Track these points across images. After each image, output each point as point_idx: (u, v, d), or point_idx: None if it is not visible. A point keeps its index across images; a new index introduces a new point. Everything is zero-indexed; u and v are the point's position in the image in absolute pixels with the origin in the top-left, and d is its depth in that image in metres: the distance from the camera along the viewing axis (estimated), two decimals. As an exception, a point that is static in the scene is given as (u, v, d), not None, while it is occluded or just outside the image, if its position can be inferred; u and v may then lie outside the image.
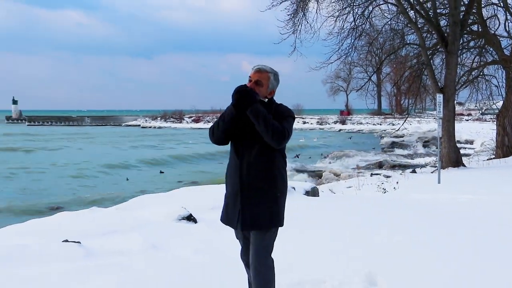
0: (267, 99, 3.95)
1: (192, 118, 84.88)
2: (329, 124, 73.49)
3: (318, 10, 19.45)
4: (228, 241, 6.45)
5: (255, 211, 3.87)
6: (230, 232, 6.92)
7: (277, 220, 3.94)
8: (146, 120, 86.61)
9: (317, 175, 22.36)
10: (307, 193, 11.10)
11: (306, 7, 19.51)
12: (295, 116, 4.18)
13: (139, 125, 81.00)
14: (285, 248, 6.22)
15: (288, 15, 19.31)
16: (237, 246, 6.38)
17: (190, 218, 7.37)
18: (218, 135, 3.94)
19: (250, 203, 3.88)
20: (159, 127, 76.42)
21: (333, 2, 19.65)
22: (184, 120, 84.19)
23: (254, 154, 3.88)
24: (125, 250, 5.83)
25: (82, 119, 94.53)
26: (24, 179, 22.85)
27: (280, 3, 19.01)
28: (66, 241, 5.92)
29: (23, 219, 8.53)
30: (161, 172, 25.85)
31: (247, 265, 4.20)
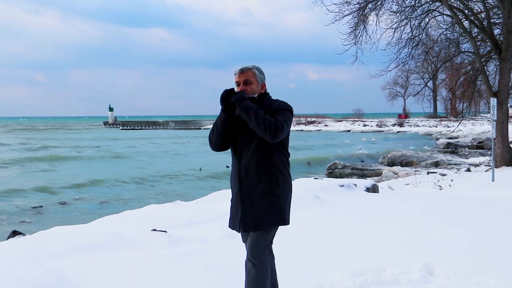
0: (257, 95, 3.60)
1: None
2: (387, 126, 72.03)
3: (377, 23, 19.20)
4: (297, 232, 6.49)
5: (256, 212, 3.51)
6: (299, 223, 6.97)
7: (280, 219, 3.57)
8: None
9: (376, 173, 21.99)
10: (368, 189, 10.95)
11: (367, 20, 19.31)
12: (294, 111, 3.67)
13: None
14: (347, 238, 6.18)
15: (350, 28, 19.15)
16: (309, 236, 6.43)
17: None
18: (214, 141, 3.63)
19: (250, 203, 3.53)
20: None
21: (392, 15, 19.36)
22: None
23: (251, 153, 3.53)
24: (205, 239, 5.94)
25: (167, 123, 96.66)
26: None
27: (343, 17, 18.88)
28: (154, 230, 6.09)
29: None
30: (200, 169, 25.66)
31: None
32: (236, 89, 3.59)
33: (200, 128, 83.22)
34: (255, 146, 3.51)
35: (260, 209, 3.51)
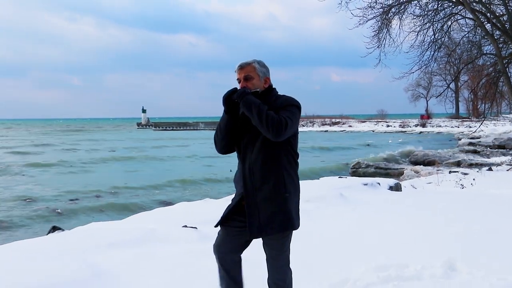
0: (260, 90, 3.25)
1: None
2: (410, 127, 71.16)
3: (401, 26, 18.98)
4: (321, 228, 6.47)
5: (262, 217, 3.16)
6: (324, 220, 6.94)
7: (288, 224, 3.21)
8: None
9: (399, 172, 21.73)
10: (391, 188, 10.86)
11: (390, 24, 19.10)
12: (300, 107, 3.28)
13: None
14: (371, 235, 6.13)
15: (373, 31, 18.98)
16: (333, 233, 6.40)
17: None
18: (219, 144, 3.33)
19: (255, 208, 3.18)
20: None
21: (415, 18, 19.11)
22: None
23: (255, 154, 3.19)
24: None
25: (197, 124, 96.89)
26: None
27: (366, 21, 18.70)
28: (185, 226, 6.13)
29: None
30: (231, 170, 25.73)
31: (220, 259, 3.43)
32: (238, 88, 3.27)
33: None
34: (260, 146, 3.18)
35: (266, 213, 3.16)
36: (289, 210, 3.21)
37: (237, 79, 3.28)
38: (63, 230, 8.13)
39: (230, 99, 3.18)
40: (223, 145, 3.32)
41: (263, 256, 3.38)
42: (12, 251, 5.03)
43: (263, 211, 3.16)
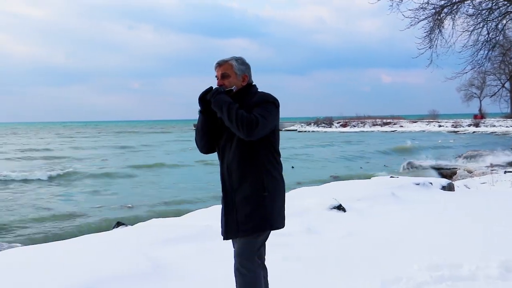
0: (235, 88, 3.08)
1: (340, 124, 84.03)
2: (463, 127, 68.94)
3: (453, 26, 18.40)
4: (373, 227, 6.38)
5: (239, 217, 3.01)
6: (376, 219, 6.85)
7: (265, 224, 3.02)
8: (302, 126, 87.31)
9: (452, 172, 21.08)
10: (444, 187, 10.55)
11: (442, 25, 18.53)
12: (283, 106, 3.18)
13: (295, 130, 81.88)
14: (423, 234, 5.99)
15: (425, 32, 18.48)
16: (386, 232, 6.30)
17: (340, 207, 7.34)
18: (199, 144, 3.22)
19: (233, 208, 3.03)
20: (313, 131, 76.69)
21: (468, 18, 18.48)
22: (333, 125, 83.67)
23: (232, 153, 3.04)
24: (287, 232, 5.95)
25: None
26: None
27: (418, 22, 18.22)
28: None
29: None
30: (292, 167, 25.65)
31: None
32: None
33: (281, 130, 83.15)
34: (236, 145, 3.02)
35: (243, 213, 3.00)
36: (268, 210, 3.02)
37: (215, 76, 3.15)
38: (126, 225, 8.39)
39: (205, 98, 3.07)
40: (203, 145, 3.22)
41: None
42: (81, 244, 5.23)
43: (240, 210, 3.01)
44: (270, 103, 3.02)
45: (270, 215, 3.03)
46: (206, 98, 3.05)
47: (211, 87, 3.07)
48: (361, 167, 25.56)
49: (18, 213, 13.35)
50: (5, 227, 11.60)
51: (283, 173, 3.20)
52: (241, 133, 2.89)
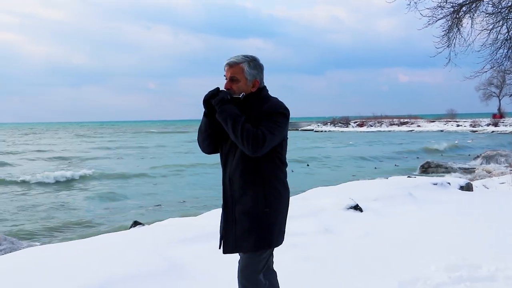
0: (242, 95, 2.82)
1: (357, 123, 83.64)
2: (481, 126, 68.13)
3: (472, 25, 18.15)
4: (390, 227, 6.30)
5: (237, 232, 2.80)
6: (393, 219, 6.77)
7: (264, 242, 2.79)
8: (318, 125, 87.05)
9: (470, 172, 20.82)
10: (462, 187, 10.41)
11: (460, 23, 18.29)
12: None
13: (312, 130, 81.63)
14: (441, 234, 5.90)
15: (443, 31, 18.26)
16: (403, 232, 6.22)
17: (356, 207, 7.27)
18: (201, 144, 2.99)
19: (232, 222, 2.83)
20: (329, 131, 76.39)
21: (487, 16, 18.22)
22: (350, 124, 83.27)
23: (235, 163, 2.82)
24: (304, 232, 5.91)
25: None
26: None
27: (436, 21, 18.00)
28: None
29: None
30: (307, 165, 25.58)
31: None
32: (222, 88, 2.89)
33: (297, 129, 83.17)
34: (240, 154, 2.78)
35: (241, 228, 2.79)
36: (269, 227, 2.79)
37: (224, 75, 2.89)
38: (143, 224, 8.42)
39: (210, 102, 2.83)
40: (205, 146, 2.99)
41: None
42: (98, 243, 5.25)
43: (239, 224, 2.81)
44: (279, 115, 2.77)
45: (270, 234, 2.81)
46: (211, 102, 2.80)
47: (218, 88, 2.84)
48: (375, 167, 25.42)
49: (42, 213, 13.57)
50: (27, 228, 11.77)
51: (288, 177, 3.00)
52: (245, 149, 2.69)
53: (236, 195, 2.83)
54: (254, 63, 2.87)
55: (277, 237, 2.85)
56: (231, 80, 2.84)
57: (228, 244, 2.86)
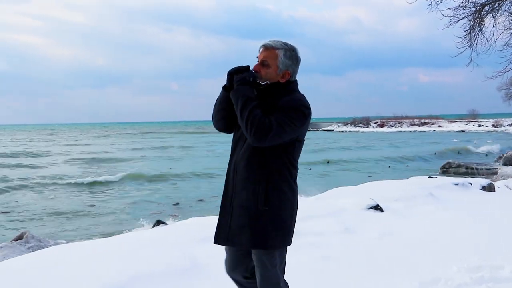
0: (265, 83, 2.65)
1: (377, 124, 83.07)
2: (504, 126, 67.02)
3: (494, 25, 17.87)
4: (411, 227, 6.24)
5: (232, 225, 2.65)
6: (414, 219, 6.70)
7: (258, 241, 2.59)
8: (339, 126, 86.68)
9: (492, 172, 20.48)
10: (484, 188, 10.25)
11: (483, 23, 18.03)
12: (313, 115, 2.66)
13: (333, 130, 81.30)
14: (462, 235, 5.82)
15: (465, 31, 18.01)
16: (424, 232, 6.15)
17: (377, 207, 7.21)
18: (214, 117, 2.79)
19: (229, 213, 2.68)
20: (350, 132, 75.98)
21: (510, 15, 17.92)
22: (370, 125, 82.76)
23: (242, 152, 2.65)
24: (324, 232, 5.89)
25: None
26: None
27: (457, 21, 17.77)
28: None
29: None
30: (328, 162, 25.45)
31: (236, 282, 2.99)
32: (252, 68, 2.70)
33: (318, 130, 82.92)
34: (249, 144, 2.58)
35: (236, 222, 2.63)
36: (263, 226, 2.58)
37: (257, 57, 2.70)
38: (166, 224, 8.49)
39: (232, 77, 2.64)
40: (217, 120, 2.78)
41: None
42: (121, 241, 5.31)
43: (235, 217, 2.64)
44: (297, 111, 2.55)
45: (264, 234, 2.58)
46: (234, 78, 2.62)
47: (248, 67, 2.65)
48: (388, 166, 25.19)
49: (69, 214, 13.78)
50: (54, 226, 11.98)
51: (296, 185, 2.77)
52: (248, 135, 2.50)
53: (238, 187, 2.65)
54: (290, 53, 2.67)
55: (273, 238, 2.61)
56: (262, 63, 2.65)
57: (220, 235, 2.71)
